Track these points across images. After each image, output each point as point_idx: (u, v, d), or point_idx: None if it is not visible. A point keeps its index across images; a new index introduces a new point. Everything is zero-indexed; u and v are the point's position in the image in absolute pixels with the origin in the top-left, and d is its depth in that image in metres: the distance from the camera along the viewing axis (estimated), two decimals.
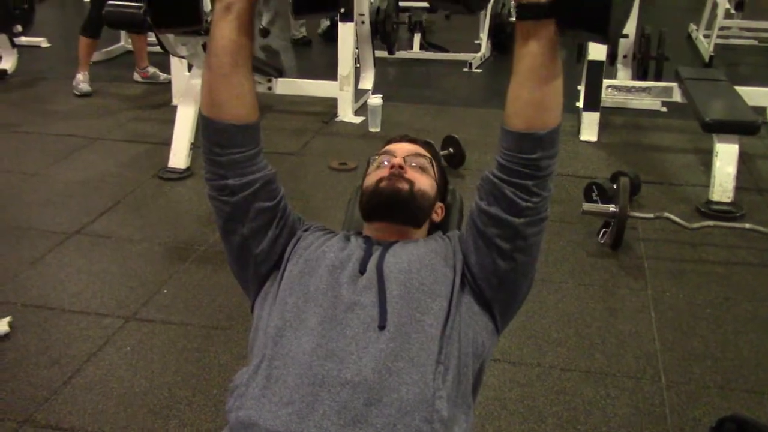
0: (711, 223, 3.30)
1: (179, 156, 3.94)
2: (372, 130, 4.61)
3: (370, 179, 1.54)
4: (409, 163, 1.54)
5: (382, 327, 1.27)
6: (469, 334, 1.34)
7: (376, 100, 4.63)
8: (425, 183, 1.54)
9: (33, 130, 4.63)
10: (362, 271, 1.37)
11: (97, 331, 2.59)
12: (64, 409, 2.21)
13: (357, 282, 1.35)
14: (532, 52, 1.23)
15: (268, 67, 4.82)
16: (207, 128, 1.38)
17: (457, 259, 1.40)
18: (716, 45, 6.16)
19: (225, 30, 1.31)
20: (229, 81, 1.34)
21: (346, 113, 4.83)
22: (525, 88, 1.26)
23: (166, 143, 4.03)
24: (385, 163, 1.55)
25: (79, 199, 3.65)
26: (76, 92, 5.26)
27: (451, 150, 3.96)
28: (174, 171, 3.91)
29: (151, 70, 5.59)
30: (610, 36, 1.18)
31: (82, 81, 5.28)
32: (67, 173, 3.96)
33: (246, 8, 1.31)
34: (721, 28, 6.37)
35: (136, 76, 5.63)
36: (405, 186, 1.50)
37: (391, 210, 1.49)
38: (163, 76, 5.47)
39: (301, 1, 1.29)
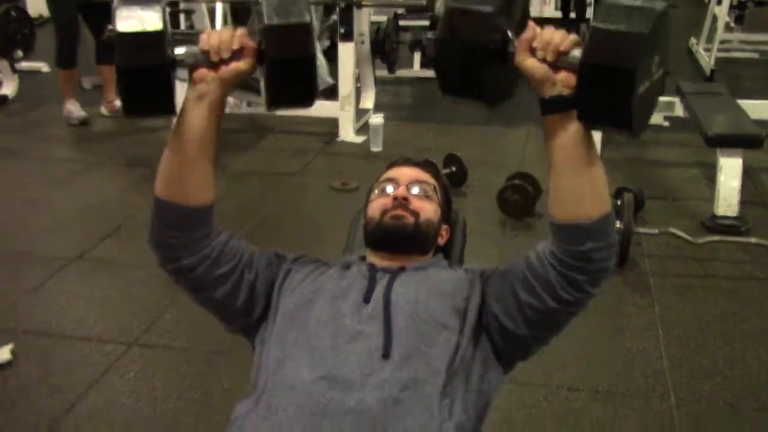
0: (717, 237, 3.28)
1: None
2: (374, 149, 4.60)
3: (374, 209, 1.51)
4: (413, 192, 1.52)
5: (386, 356, 1.24)
6: (476, 370, 1.31)
7: (377, 120, 4.63)
8: (430, 211, 1.51)
9: (34, 155, 4.64)
10: (366, 300, 1.34)
11: (99, 357, 2.57)
12: None
13: (361, 311, 1.32)
14: (561, 144, 1.20)
15: None
16: (163, 211, 1.34)
17: (473, 294, 1.36)
18: (717, 59, 6.15)
19: (195, 118, 1.28)
20: (194, 167, 1.31)
21: (348, 133, 4.82)
22: (562, 181, 1.23)
23: None
24: (389, 191, 1.52)
25: (80, 224, 3.64)
26: (72, 122, 5.14)
27: (453, 168, 3.95)
28: None
29: (119, 102, 5.36)
30: (635, 131, 1.14)
31: (74, 110, 5.18)
32: (68, 198, 3.96)
33: (218, 99, 1.28)
34: (722, 42, 6.37)
35: (104, 111, 5.33)
36: (410, 219, 1.47)
37: (398, 245, 1.47)
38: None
39: (276, 93, 1.28)
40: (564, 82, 1.16)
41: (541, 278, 1.27)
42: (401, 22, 6.22)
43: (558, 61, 1.15)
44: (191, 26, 4.97)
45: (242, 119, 5.05)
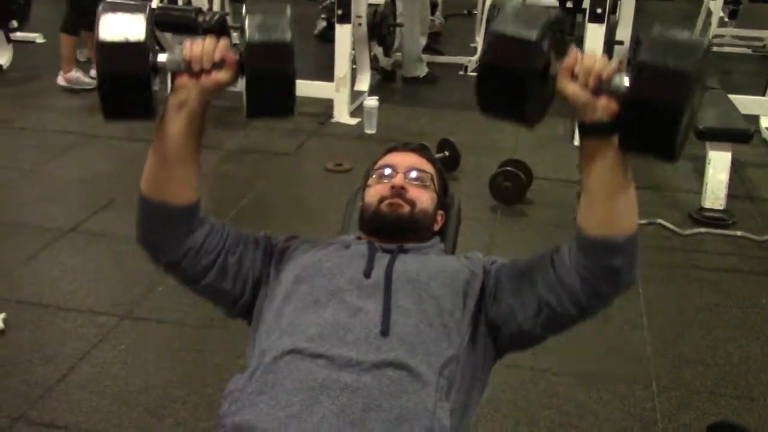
0: (703, 229, 3.34)
1: None
2: (368, 131, 4.63)
3: (371, 195, 1.54)
4: (410, 180, 1.54)
5: (384, 333, 1.27)
6: (472, 355, 1.34)
7: (371, 102, 4.65)
8: (426, 200, 1.54)
9: (28, 126, 4.63)
10: (367, 275, 1.37)
11: (91, 329, 2.60)
12: (59, 407, 2.22)
13: (361, 287, 1.35)
14: (599, 168, 1.23)
15: None
16: (147, 209, 1.38)
17: (473, 281, 1.39)
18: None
19: (176, 125, 1.30)
20: (175, 170, 1.34)
21: (342, 115, 4.84)
22: (596, 201, 1.26)
23: None
24: (386, 176, 1.55)
25: (75, 196, 3.65)
26: (79, 87, 5.16)
27: (447, 153, 3.98)
28: None
29: (75, 74, 5.30)
30: (675, 158, 1.17)
31: (81, 76, 5.22)
32: (63, 170, 3.96)
33: (199, 107, 1.30)
34: (715, 36, 6.41)
35: (60, 80, 5.29)
36: (406, 209, 1.50)
37: (394, 233, 1.49)
38: (88, 79, 5.16)
39: (255, 106, 1.31)
40: (604, 108, 1.18)
41: (567, 285, 1.31)
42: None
43: (599, 87, 1.18)
44: (189, 2, 4.96)
45: (236, 97, 4.99)
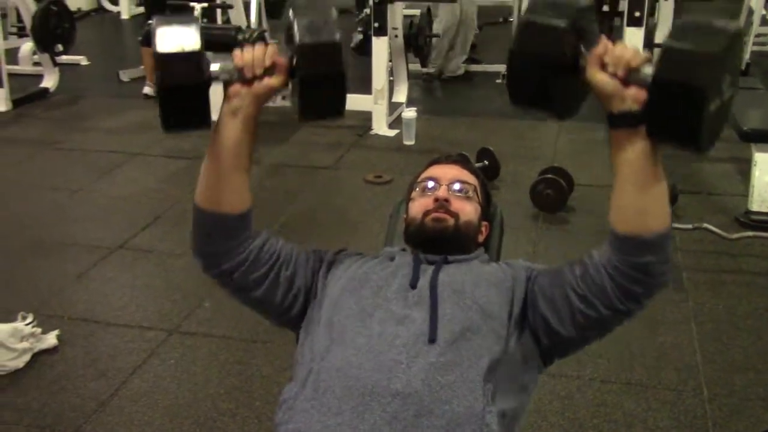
0: (751, 233, 3.27)
1: None
2: (406, 143, 4.64)
3: (415, 209, 1.55)
4: (453, 192, 1.55)
5: (432, 341, 1.28)
6: (518, 362, 1.34)
7: (410, 113, 4.67)
8: (470, 212, 1.55)
9: (75, 146, 4.76)
10: (413, 285, 1.38)
11: (141, 344, 2.65)
12: (112, 421, 2.27)
13: (407, 297, 1.36)
14: (628, 160, 1.23)
15: None
16: (202, 219, 1.40)
17: (517, 288, 1.39)
18: (752, 52, 6.08)
19: (230, 132, 1.33)
20: (230, 178, 1.37)
21: (381, 126, 4.87)
22: (626, 195, 1.25)
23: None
24: (429, 189, 1.56)
25: (122, 214, 3.73)
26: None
27: (486, 162, 3.98)
28: None
29: None
30: (703, 148, 1.16)
31: None
32: (110, 189, 4.06)
33: (252, 114, 1.33)
34: (758, 35, 6.30)
35: (148, 90, 5.53)
36: (450, 222, 1.50)
37: (439, 246, 1.50)
38: None
39: (308, 107, 1.34)
40: (633, 98, 1.17)
41: (597, 287, 1.30)
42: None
43: (628, 76, 1.17)
44: (227, 20, 5.05)
45: (276, 112, 5.06)
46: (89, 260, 3.23)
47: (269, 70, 1.29)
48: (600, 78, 1.18)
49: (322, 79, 1.30)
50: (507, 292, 1.38)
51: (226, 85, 1.32)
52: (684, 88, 1.11)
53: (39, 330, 2.61)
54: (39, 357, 2.55)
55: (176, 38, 1.25)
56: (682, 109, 1.12)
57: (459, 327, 1.31)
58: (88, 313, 2.84)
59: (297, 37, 1.27)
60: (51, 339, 2.61)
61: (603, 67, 1.18)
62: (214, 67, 1.30)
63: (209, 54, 1.31)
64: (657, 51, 1.17)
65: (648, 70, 1.16)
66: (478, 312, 1.34)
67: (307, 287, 1.46)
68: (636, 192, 1.24)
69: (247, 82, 1.30)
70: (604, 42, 1.19)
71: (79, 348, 2.62)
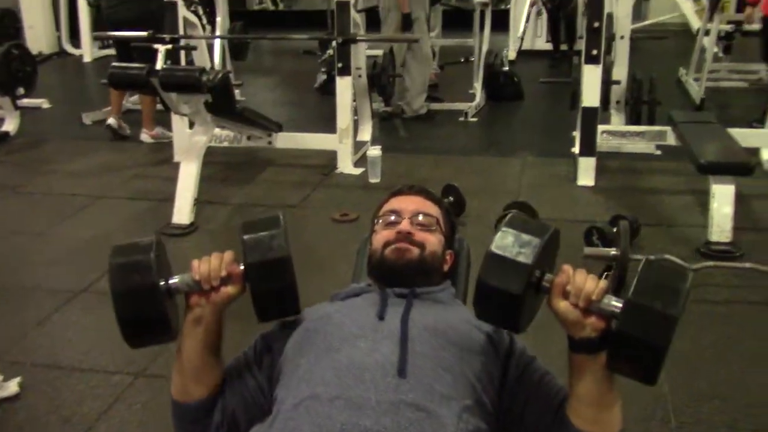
0: (711, 263, 3.34)
1: (182, 212, 3.99)
2: (372, 181, 4.67)
3: (377, 241, 1.56)
4: (416, 224, 1.56)
5: (401, 374, 1.28)
6: (490, 408, 1.36)
7: (375, 152, 4.70)
8: (434, 242, 1.56)
9: (37, 190, 4.69)
10: (381, 317, 1.39)
11: (107, 388, 2.60)
12: None
13: (376, 330, 1.36)
14: (586, 380, 1.29)
15: (269, 122, 4.91)
16: (179, 410, 1.45)
17: (498, 344, 1.43)
18: (706, 88, 6.27)
19: (195, 340, 1.39)
20: (199, 378, 1.42)
21: (346, 165, 4.89)
22: (583, 408, 1.31)
23: (169, 200, 4.08)
24: (392, 221, 1.57)
25: (85, 257, 3.68)
26: (166, 140, 5.34)
27: (451, 198, 4.01)
28: (178, 227, 3.95)
29: (159, 130, 5.54)
30: (655, 383, 1.24)
31: (164, 130, 5.44)
32: (73, 232, 4.00)
33: (214, 321, 1.39)
34: (711, 72, 6.49)
35: (145, 137, 5.57)
36: (416, 252, 1.52)
37: (404, 278, 1.51)
38: (169, 134, 5.39)
39: (264, 312, 1.41)
40: (593, 326, 1.24)
41: None
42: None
43: (589, 307, 1.24)
44: (191, 62, 5.06)
45: (242, 152, 5.11)
46: (52, 305, 3.18)
47: (226, 280, 1.35)
48: (563, 307, 1.25)
49: (273, 292, 1.37)
50: (479, 339, 1.39)
51: (187, 295, 1.39)
52: (646, 344, 1.20)
53: (0, 377, 2.55)
54: (1, 405, 2.48)
55: (131, 275, 1.32)
56: (642, 358, 1.21)
57: (430, 364, 1.30)
58: (52, 359, 2.79)
59: (246, 256, 1.34)
60: (13, 387, 2.55)
61: (565, 295, 1.25)
62: (174, 280, 1.36)
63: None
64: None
65: (607, 301, 1.24)
66: (451, 352, 1.34)
67: (267, 373, 1.46)
68: (592, 406, 1.30)
69: (206, 293, 1.36)
70: (566, 271, 1.26)
71: (42, 395, 2.56)
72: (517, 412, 1.39)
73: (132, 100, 6.20)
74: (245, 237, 1.36)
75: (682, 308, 1.20)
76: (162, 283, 1.33)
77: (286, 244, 1.36)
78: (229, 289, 1.35)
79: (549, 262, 1.31)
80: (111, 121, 5.59)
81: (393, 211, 1.59)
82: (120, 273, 1.32)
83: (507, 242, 1.27)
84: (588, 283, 1.24)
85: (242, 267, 1.36)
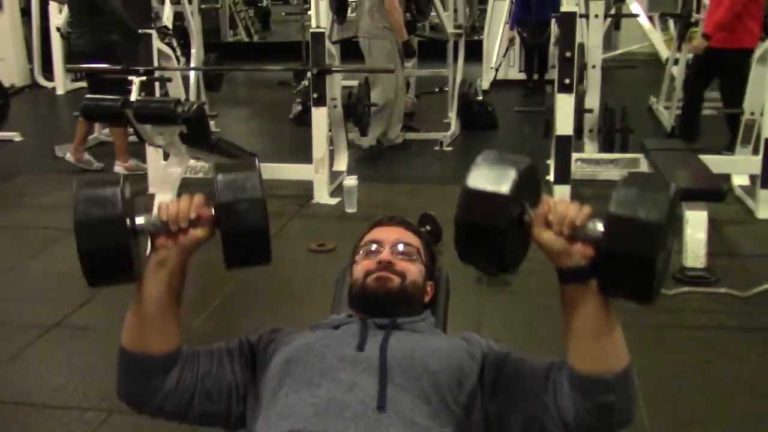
0: (687, 288, 3.37)
1: None
2: (348, 210, 4.66)
3: (358, 271, 1.55)
4: (397, 254, 1.55)
5: (381, 408, 1.26)
6: (471, 427, 1.34)
7: (351, 182, 4.70)
8: (414, 272, 1.56)
9: (8, 224, 4.63)
10: (360, 348, 1.37)
11: (79, 425, 2.54)
12: None
13: (355, 363, 1.35)
14: (581, 312, 1.24)
15: (244, 152, 4.89)
16: (127, 360, 1.40)
17: (472, 362, 1.38)
18: (676, 116, 6.36)
19: (156, 283, 1.34)
20: (156, 325, 1.37)
21: (322, 195, 4.88)
22: (582, 344, 1.26)
23: None
24: (372, 251, 1.56)
25: (58, 291, 3.61)
26: (141, 172, 5.25)
27: (428, 227, 4.01)
28: None
29: (134, 162, 5.49)
30: (653, 301, 1.19)
31: (138, 162, 5.39)
32: (45, 266, 3.94)
33: (178, 265, 1.35)
34: (680, 100, 6.59)
35: (119, 169, 5.46)
36: (396, 281, 1.51)
37: (385, 307, 1.49)
38: (144, 165, 5.34)
39: (233, 258, 1.34)
40: (581, 254, 1.21)
41: (562, 411, 1.28)
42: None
43: (574, 233, 1.21)
44: (166, 94, 5.05)
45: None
46: (24, 340, 3.11)
47: (195, 222, 1.30)
48: (546, 237, 1.21)
49: (245, 235, 1.31)
50: (458, 363, 1.37)
51: (153, 237, 1.33)
52: (633, 257, 1.15)
53: None
54: None
55: (97, 203, 1.27)
56: (632, 274, 1.16)
57: (409, 396, 1.29)
58: (23, 396, 2.72)
59: (218, 195, 1.28)
60: None
61: (548, 225, 1.21)
62: (140, 220, 1.30)
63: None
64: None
65: (592, 225, 1.20)
66: (429, 381, 1.32)
67: (241, 381, 1.43)
68: (592, 340, 1.25)
69: (173, 234, 1.30)
70: (547, 201, 1.23)
71: None
72: (509, 409, 1.34)
73: (105, 132, 6.16)
74: (218, 177, 1.29)
75: (666, 215, 1.14)
76: (128, 220, 1.27)
77: (260, 186, 1.30)
78: (197, 232, 1.30)
79: (530, 196, 1.25)
80: (68, 156, 5.53)
81: (374, 241, 1.59)
82: (85, 202, 1.26)
83: (482, 175, 1.22)
84: (570, 210, 1.20)
85: (213, 210, 1.30)
